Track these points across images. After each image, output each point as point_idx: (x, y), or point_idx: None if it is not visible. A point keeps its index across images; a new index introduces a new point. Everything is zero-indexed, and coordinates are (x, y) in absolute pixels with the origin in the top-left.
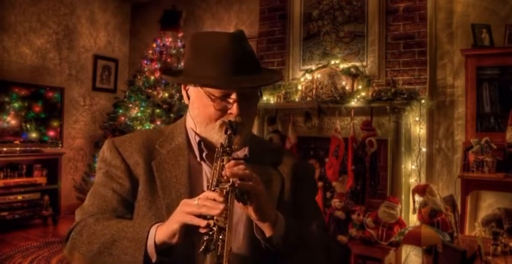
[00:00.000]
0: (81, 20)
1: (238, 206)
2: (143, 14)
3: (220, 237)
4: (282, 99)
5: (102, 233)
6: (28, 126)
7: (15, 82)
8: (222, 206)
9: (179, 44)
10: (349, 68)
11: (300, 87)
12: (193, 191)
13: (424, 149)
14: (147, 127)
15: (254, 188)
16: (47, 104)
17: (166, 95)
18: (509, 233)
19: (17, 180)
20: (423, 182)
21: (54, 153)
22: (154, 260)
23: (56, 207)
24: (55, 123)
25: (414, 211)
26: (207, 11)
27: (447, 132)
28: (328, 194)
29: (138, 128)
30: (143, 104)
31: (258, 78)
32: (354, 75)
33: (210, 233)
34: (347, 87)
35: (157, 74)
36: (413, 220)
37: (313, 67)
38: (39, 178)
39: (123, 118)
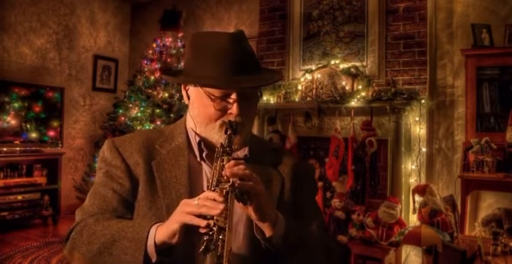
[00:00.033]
0: (81, 20)
1: (238, 206)
2: (143, 14)
3: (220, 237)
4: (282, 99)
5: (102, 233)
6: (28, 126)
7: (15, 82)
8: (222, 206)
9: (179, 44)
10: (349, 68)
11: (300, 87)
12: (193, 191)
13: (424, 149)
14: (147, 127)
15: (254, 188)
16: (47, 104)
17: (166, 95)
18: (509, 233)
19: (17, 180)
20: (423, 182)
21: (54, 153)
22: (154, 260)
23: (56, 207)
24: (55, 123)
25: (414, 211)
26: (207, 11)
27: (447, 132)
28: (328, 194)
29: (138, 128)
30: (143, 104)
31: (258, 78)
32: (354, 75)
33: (210, 233)
34: (347, 87)
35: (157, 74)
36: (413, 220)
37: (313, 67)
38: (39, 178)
39: (123, 118)
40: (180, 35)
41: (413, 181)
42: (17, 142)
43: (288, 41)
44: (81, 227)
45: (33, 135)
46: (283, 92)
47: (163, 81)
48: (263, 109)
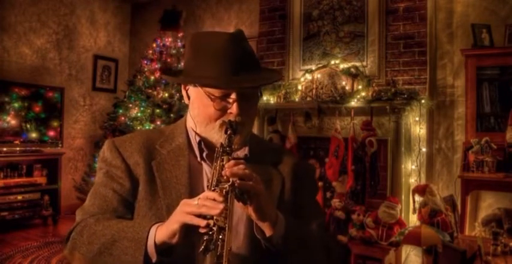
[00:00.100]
0: (81, 20)
1: (238, 206)
2: (143, 14)
3: (220, 237)
4: (282, 99)
5: (102, 233)
6: (28, 126)
7: (15, 82)
8: (221, 206)
9: (179, 44)
10: (349, 68)
11: (300, 87)
12: (193, 191)
13: (424, 149)
14: (147, 127)
15: (254, 187)
16: (47, 104)
17: (166, 95)
18: (509, 233)
19: (17, 180)
20: (423, 182)
21: (54, 153)
22: (154, 260)
23: (56, 207)
24: (55, 123)
25: (414, 211)
26: (207, 11)
27: (447, 132)
28: (328, 194)
29: (138, 128)
30: (143, 104)
31: (258, 78)
32: (354, 75)
33: (210, 232)
34: (347, 87)
35: (157, 74)
36: (413, 220)
37: (313, 67)
38: (39, 178)
39: (123, 118)
40: (180, 35)
41: (413, 181)
42: (17, 142)
43: (288, 41)
44: (82, 227)
45: (33, 135)
46: (283, 92)
47: (163, 81)
48: (263, 109)
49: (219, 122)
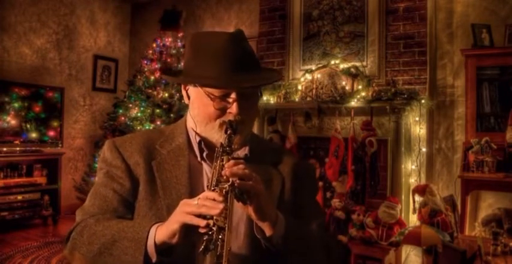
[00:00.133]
0: (81, 20)
1: (238, 206)
2: (143, 14)
3: (220, 237)
4: (282, 99)
5: (102, 234)
6: (28, 126)
7: (15, 82)
8: (221, 206)
9: (179, 44)
10: (349, 68)
11: (300, 87)
12: (193, 191)
13: (424, 149)
14: (147, 127)
15: (254, 187)
16: (47, 104)
17: (166, 95)
18: (509, 233)
19: (17, 180)
20: (423, 182)
21: (54, 153)
22: (154, 260)
23: (56, 207)
24: (55, 123)
25: (414, 211)
26: (207, 11)
27: (447, 132)
28: (328, 194)
29: (138, 128)
30: (143, 104)
31: (258, 78)
32: (354, 75)
33: (210, 232)
34: (347, 87)
35: (157, 74)
36: (413, 220)
37: (313, 67)
38: (39, 178)
39: (123, 118)
40: (180, 35)
41: (413, 181)
42: (17, 142)
43: (288, 41)
44: (82, 227)
45: (33, 135)
46: (283, 92)
47: (163, 81)
48: (263, 109)
49: (218, 121)
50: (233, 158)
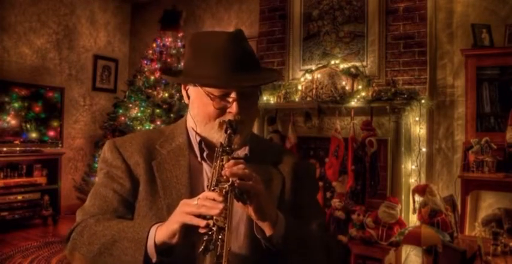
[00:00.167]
0: (81, 20)
1: (238, 206)
2: (143, 14)
3: (220, 237)
4: (282, 99)
5: (102, 234)
6: (28, 126)
7: (15, 82)
8: (221, 206)
9: (179, 44)
10: (349, 68)
11: (300, 87)
12: (194, 191)
13: (424, 149)
14: (147, 127)
15: (254, 187)
16: (47, 104)
17: (166, 95)
18: (509, 233)
19: (17, 180)
20: (423, 182)
21: (54, 153)
22: (154, 260)
23: (56, 207)
24: (55, 123)
25: (414, 211)
26: (207, 11)
27: (447, 132)
28: (328, 194)
29: (138, 128)
30: (143, 104)
31: (258, 77)
32: (354, 75)
33: (210, 233)
34: (347, 87)
35: (157, 74)
36: (413, 220)
37: (313, 67)
38: (39, 178)
39: (123, 118)
40: (180, 35)
41: (413, 181)
42: (17, 142)
43: (288, 41)
44: (82, 227)
45: (33, 135)
46: (283, 92)
47: (163, 81)
48: (263, 109)
49: (218, 121)
50: (233, 158)
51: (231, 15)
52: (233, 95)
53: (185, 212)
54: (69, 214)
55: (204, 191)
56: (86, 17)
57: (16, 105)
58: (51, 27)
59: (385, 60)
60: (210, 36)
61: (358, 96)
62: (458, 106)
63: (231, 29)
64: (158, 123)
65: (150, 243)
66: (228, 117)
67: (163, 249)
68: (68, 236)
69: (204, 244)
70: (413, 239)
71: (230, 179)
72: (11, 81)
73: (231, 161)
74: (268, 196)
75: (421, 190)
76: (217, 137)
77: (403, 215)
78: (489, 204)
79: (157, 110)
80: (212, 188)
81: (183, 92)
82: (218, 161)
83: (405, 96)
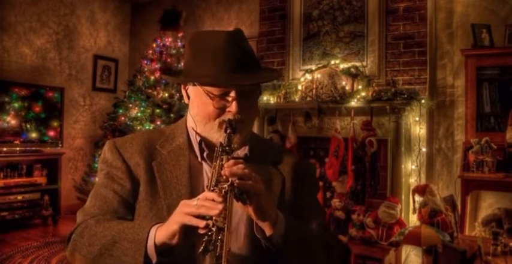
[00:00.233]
0: (81, 20)
1: (238, 206)
2: (143, 14)
3: (219, 237)
4: (282, 99)
5: (102, 235)
6: (28, 126)
7: (15, 82)
8: (220, 206)
9: (179, 44)
10: (349, 68)
11: (300, 87)
12: (194, 191)
13: (424, 149)
14: (147, 127)
15: (253, 187)
16: (47, 104)
17: (166, 95)
18: (509, 233)
19: (17, 180)
20: (423, 182)
21: (54, 153)
22: (154, 260)
23: (56, 207)
24: (55, 123)
25: (414, 211)
26: (207, 11)
27: (447, 132)
28: (328, 194)
29: (138, 128)
30: (143, 104)
31: (257, 76)
32: (354, 75)
33: (209, 233)
34: (347, 87)
35: (157, 74)
36: (413, 220)
37: (313, 67)
38: (39, 178)
39: (123, 118)
40: (180, 35)
41: (413, 181)
42: (17, 142)
43: (288, 41)
44: (82, 228)
45: (33, 135)
46: (283, 92)
47: (163, 81)
48: (263, 109)
49: (218, 120)
50: (233, 158)
51: (231, 15)
52: (232, 94)
53: (185, 212)
54: (69, 214)
55: (204, 191)
56: (86, 17)
57: (16, 105)
58: (51, 27)
59: (385, 60)
60: (209, 36)
61: (358, 96)
62: (458, 106)
63: (230, 29)
64: (158, 123)
65: (150, 243)
66: (227, 116)
67: (163, 249)
68: (68, 237)
69: (203, 245)
70: (413, 239)
71: (230, 179)
72: (11, 81)
73: (231, 161)
74: (268, 196)
75: (421, 190)
76: (217, 136)
77: (403, 215)
78: (489, 204)
79: (157, 110)
80: (212, 188)
81: (183, 92)
82: (218, 161)
83: (405, 96)
